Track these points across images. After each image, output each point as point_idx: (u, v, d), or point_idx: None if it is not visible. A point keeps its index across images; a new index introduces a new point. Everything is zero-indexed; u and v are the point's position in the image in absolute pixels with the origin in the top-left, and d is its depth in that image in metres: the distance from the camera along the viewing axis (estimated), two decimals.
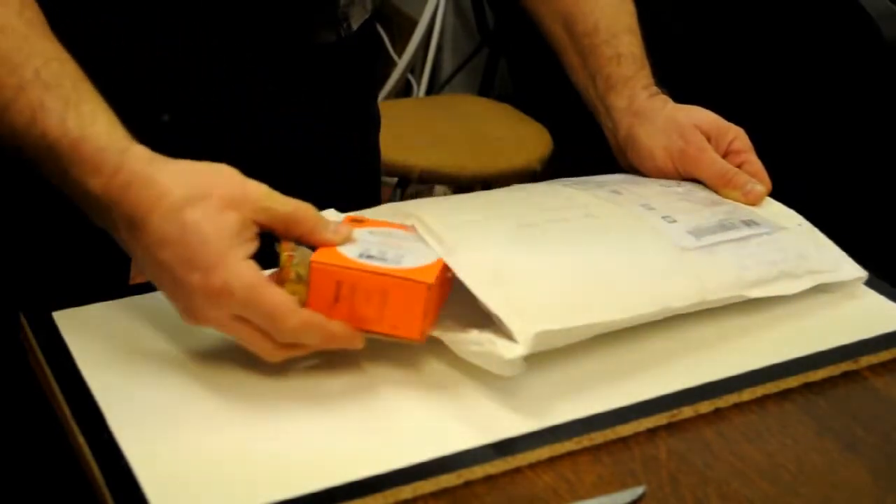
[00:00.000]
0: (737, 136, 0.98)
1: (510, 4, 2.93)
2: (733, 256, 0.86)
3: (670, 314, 0.82)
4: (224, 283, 0.70)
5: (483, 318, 0.76)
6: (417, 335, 0.74)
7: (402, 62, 2.92)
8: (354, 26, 1.06)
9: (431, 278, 0.73)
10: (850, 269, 0.92)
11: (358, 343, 0.74)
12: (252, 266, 0.72)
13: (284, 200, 0.74)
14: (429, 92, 2.99)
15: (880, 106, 1.78)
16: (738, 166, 0.97)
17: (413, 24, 2.92)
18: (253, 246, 0.73)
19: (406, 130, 2.19)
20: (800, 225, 0.94)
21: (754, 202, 0.95)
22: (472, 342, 0.75)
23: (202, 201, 0.72)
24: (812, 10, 1.83)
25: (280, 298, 0.72)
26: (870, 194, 1.84)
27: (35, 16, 0.79)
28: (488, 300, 0.75)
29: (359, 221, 0.79)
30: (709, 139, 0.98)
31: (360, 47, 1.09)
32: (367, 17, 1.08)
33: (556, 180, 0.98)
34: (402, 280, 0.72)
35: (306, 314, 0.72)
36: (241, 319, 0.72)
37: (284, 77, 1.03)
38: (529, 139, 2.25)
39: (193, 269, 0.71)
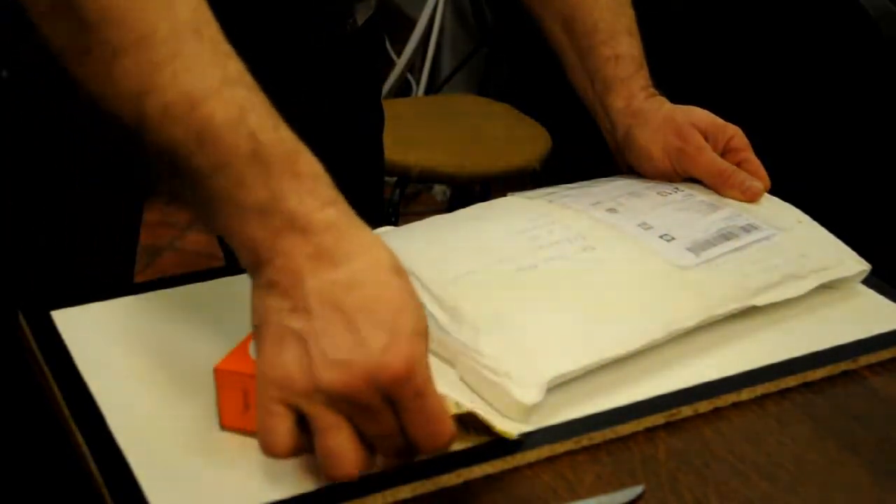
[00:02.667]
0: (734, 134, 0.98)
1: (509, 4, 2.93)
2: (734, 267, 0.87)
3: (680, 334, 0.82)
4: (412, 358, 0.62)
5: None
6: None
7: (401, 61, 2.92)
8: (360, 22, 1.06)
9: None
10: (854, 264, 0.92)
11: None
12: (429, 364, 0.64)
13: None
14: (428, 91, 2.99)
15: (880, 105, 1.78)
16: (737, 164, 0.97)
17: (412, 23, 2.92)
18: None
19: (405, 129, 2.19)
20: (800, 222, 0.94)
21: (752, 199, 0.95)
22: (485, 368, 0.75)
23: (408, 281, 0.65)
24: (812, 10, 1.83)
25: (442, 402, 0.65)
26: (869, 194, 1.84)
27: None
28: (495, 353, 0.76)
29: None
30: (706, 138, 0.98)
31: (366, 43, 1.10)
32: (370, 13, 1.08)
33: (555, 190, 0.98)
34: None
35: (453, 427, 0.65)
36: (380, 416, 0.63)
37: (289, 75, 1.03)
38: (528, 138, 2.25)
39: (384, 331, 0.62)
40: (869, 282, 0.93)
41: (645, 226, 0.90)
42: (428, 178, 2.18)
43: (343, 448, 0.63)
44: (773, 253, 0.89)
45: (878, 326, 0.86)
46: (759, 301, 0.86)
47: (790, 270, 0.88)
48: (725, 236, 0.89)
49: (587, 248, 0.86)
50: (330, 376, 0.62)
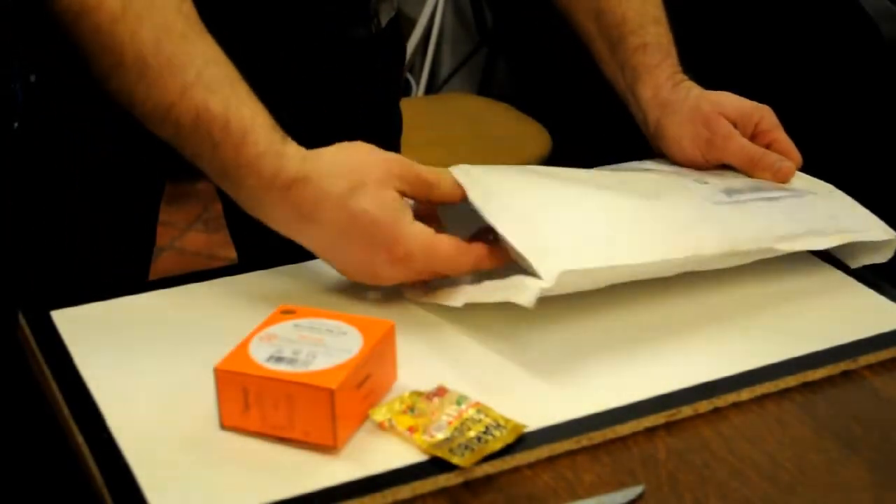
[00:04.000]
0: (762, 116, 1.00)
1: (509, 4, 2.92)
2: (763, 211, 0.90)
3: (698, 263, 0.85)
4: (406, 252, 0.81)
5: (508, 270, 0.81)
6: (331, 441, 0.70)
7: None
8: (383, 22, 1.07)
9: (335, 383, 0.69)
10: (881, 231, 0.94)
11: (489, 264, 0.84)
12: (421, 226, 0.82)
13: (423, 168, 0.84)
14: (428, 91, 2.99)
15: (880, 106, 1.78)
16: (768, 145, 0.99)
17: (412, 23, 2.92)
18: (410, 209, 0.82)
19: (405, 130, 2.18)
20: (831, 192, 0.97)
21: (785, 179, 0.97)
22: (500, 282, 0.80)
23: (361, 189, 0.81)
24: (812, 10, 1.83)
25: (452, 245, 0.82)
26: (869, 194, 1.84)
27: (191, 9, 0.83)
28: (517, 241, 0.80)
29: (290, 312, 0.77)
30: (735, 125, 0.99)
31: (389, 44, 1.11)
32: (393, 14, 1.09)
33: (590, 170, 1.01)
34: (306, 386, 0.69)
35: (476, 249, 0.83)
36: (420, 272, 0.83)
37: (315, 77, 1.04)
38: (528, 138, 2.25)
39: (376, 248, 0.81)
40: (869, 282, 0.93)
41: (680, 173, 0.94)
42: None
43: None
44: (803, 208, 0.92)
45: (878, 326, 0.86)
46: (782, 246, 0.88)
47: (816, 226, 0.91)
48: (757, 189, 0.93)
49: (623, 182, 0.91)
50: (367, 282, 0.85)
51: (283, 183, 0.81)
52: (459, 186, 0.85)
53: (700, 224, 0.87)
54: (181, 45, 0.81)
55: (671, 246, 0.84)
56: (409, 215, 0.82)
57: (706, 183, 0.92)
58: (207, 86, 0.81)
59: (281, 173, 0.81)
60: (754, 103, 1.00)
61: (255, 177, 0.81)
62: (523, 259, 0.80)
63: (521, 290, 0.77)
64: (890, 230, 0.94)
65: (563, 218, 0.83)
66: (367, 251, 0.81)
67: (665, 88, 1.01)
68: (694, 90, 1.01)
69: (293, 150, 0.82)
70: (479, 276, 0.84)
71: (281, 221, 0.83)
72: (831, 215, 0.93)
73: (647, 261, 0.82)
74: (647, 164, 1.03)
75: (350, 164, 0.82)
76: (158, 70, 0.80)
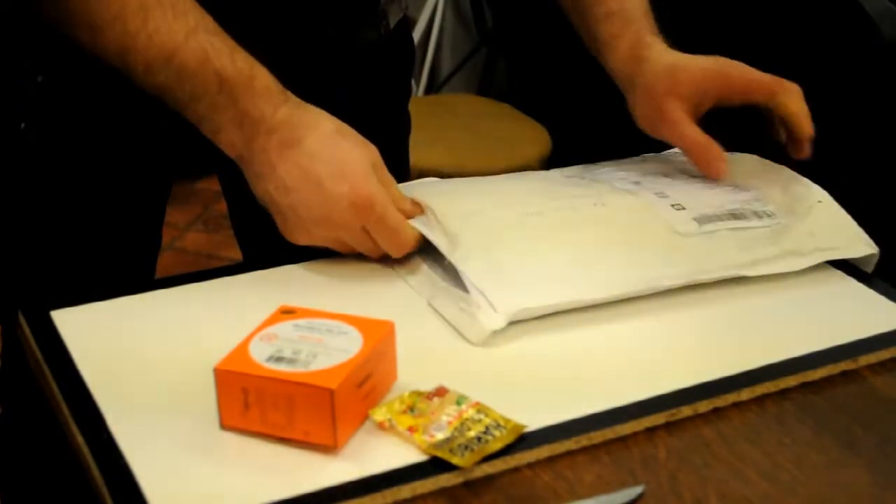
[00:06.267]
0: (725, 78, 0.99)
1: (509, 4, 2.92)
2: (734, 241, 0.90)
3: (660, 290, 0.87)
4: (370, 195, 0.85)
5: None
6: (331, 442, 0.70)
7: None
8: (392, 24, 1.07)
9: (335, 383, 0.69)
10: (862, 247, 0.94)
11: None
12: (384, 190, 0.87)
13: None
14: (427, 91, 2.99)
15: (880, 106, 1.78)
16: (745, 92, 0.98)
17: (412, 23, 2.92)
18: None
19: None
20: (820, 202, 0.97)
21: (716, 178, 0.97)
22: (461, 300, 0.83)
23: (351, 135, 0.88)
24: (812, 10, 1.83)
25: (401, 217, 0.88)
26: (869, 195, 1.84)
27: None
28: (475, 276, 0.83)
29: (290, 312, 0.77)
30: (692, 98, 0.98)
31: (398, 45, 1.11)
32: (401, 15, 1.09)
33: (595, 167, 1.02)
34: (306, 386, 0.69)
35: (414, 231, 0.88)
36: (366, 231, 0.87)
37: (326, 78, 1.04)
38: (528, 138, 2.25)
39: (343, 182, 0.85)
40: (869, 282, 0.93)
41: (661, 195, 0.94)
42: None
43: (366, 248, 0.89)
44: (778, 233, 0.92)
45: (878, 326, 0.86)
46: (751, 272, 0.89)
47: (792, 247, 0.91)
48: (735, 216, 0.93)
49: (598, 205, 0.92)
50: (319, 230, 0.87)
51: (287, 109, 0.86)
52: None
53: (665, 258, 0.88)
54: None
55: (630, 279, 0.86)
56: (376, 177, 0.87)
57: (683, 209, 0.92)
58: (208, 28, 0.86)
59: (288, 101, 0.87)
60: (713, 69, 0.99)
61: (265, 103, 0.86)
62: (478, 288, 0.82)
63: (474, 327, 0.81)
64: (872, 245, 0.94)
65: (525, 255, 0.86)
66: (334, 181, 0.85)
67: (628, 62, 1.01)
68: (648, 65, 0.99)
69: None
70: (442, 269, 0.87)
71: (266, 148, 0.86)
72: (810, 233, 0.93)
73: (603, 296, 0.85)
74: (643, 162, 1.03)
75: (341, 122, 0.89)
76: (163, 14, 0.84)
